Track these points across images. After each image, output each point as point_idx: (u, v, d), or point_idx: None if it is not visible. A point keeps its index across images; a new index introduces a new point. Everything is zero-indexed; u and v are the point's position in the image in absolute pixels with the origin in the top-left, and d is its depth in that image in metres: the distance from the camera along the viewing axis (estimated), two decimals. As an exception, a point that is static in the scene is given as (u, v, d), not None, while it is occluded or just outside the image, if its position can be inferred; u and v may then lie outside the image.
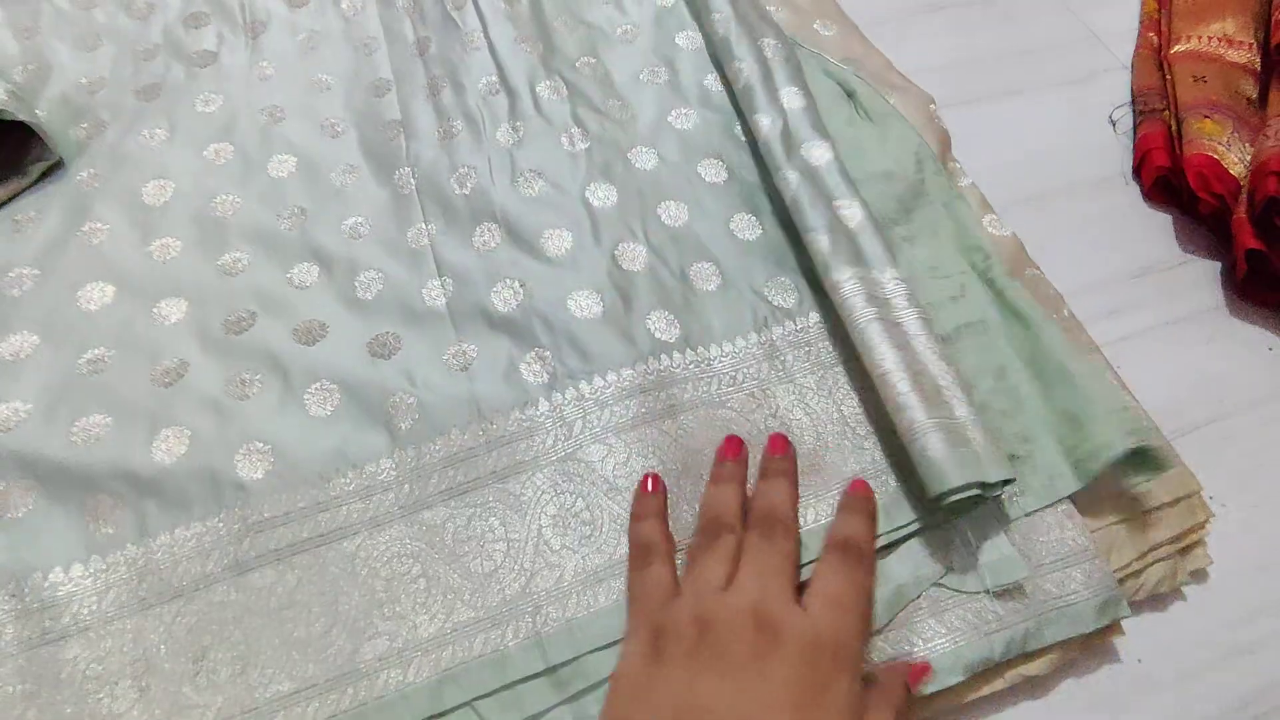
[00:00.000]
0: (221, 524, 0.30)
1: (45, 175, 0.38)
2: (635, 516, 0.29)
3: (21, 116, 0.36)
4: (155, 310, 0.35)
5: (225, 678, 0.28)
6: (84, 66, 0.43)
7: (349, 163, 0.40)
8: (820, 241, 0.34)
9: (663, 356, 0.34)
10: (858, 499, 0.29)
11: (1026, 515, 0.31)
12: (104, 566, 0.29)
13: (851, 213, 0.35)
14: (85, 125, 0.40)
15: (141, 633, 0.28)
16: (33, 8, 0.45)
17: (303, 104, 0.42)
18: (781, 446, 0.31)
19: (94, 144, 0.40)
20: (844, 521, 0.29)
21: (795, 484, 0.30)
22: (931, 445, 0.28)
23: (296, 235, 0.38)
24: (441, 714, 0.27)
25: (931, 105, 0.44)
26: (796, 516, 0.29)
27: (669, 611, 0.25)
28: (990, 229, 0.39)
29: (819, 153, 0.37)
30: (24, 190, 0.38)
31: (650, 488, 0.30)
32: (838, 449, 0.33)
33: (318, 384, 0.33)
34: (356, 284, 0.36)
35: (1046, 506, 0.31)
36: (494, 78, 0.43)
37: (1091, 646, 0.30)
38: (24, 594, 0.28)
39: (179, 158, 0.40)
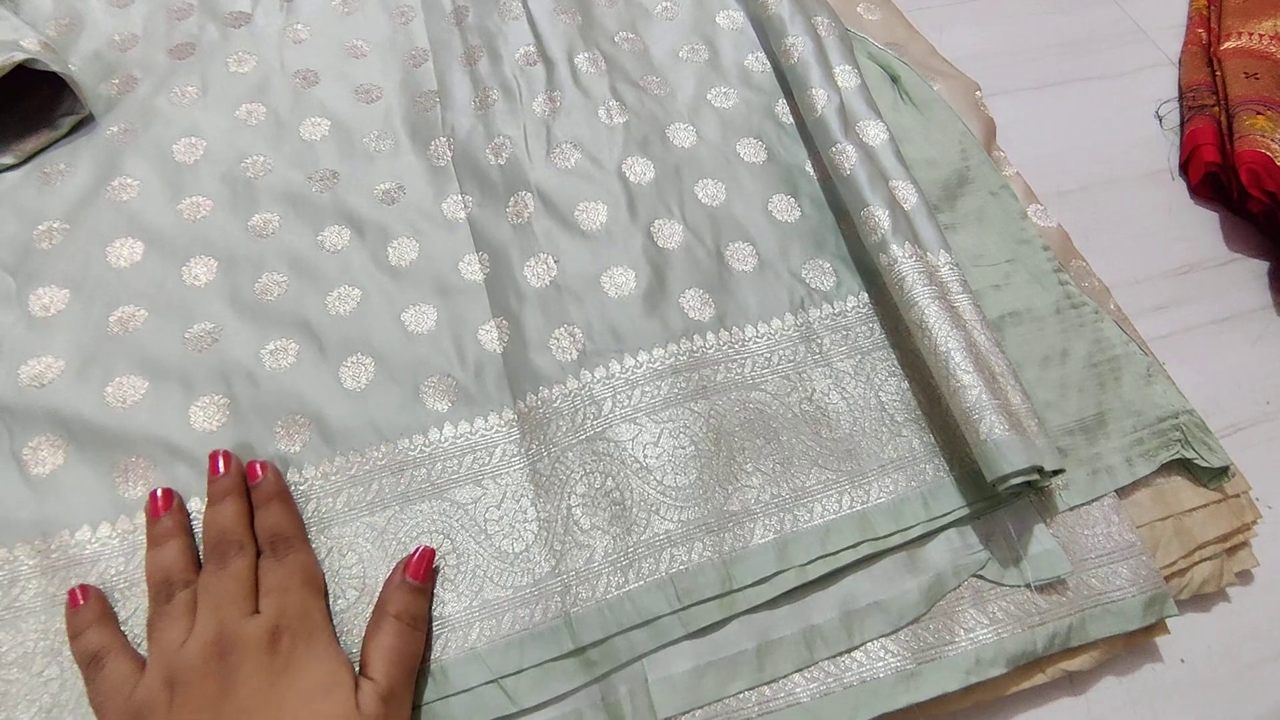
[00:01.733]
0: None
1: (75, 129, 0.38)
2: (71, 637, 0.26)
3: (54, 67, 0.36)
4: (185, 269, 0.34)
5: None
6: (116, 23, 0.42)
7: (383, 129, 0.40)
8: (879, 217, 0.33)
9: (695, 337, 0.33)
10: (262, 487, 0.29)
11: (1071, 509, 0.30)
12: (131, 528, 0.29)
13: (906, 194, 0.35)
14: (116, 81, 0.40)
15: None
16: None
17: (337, 69, 0.42)
18: (225, 465, 0.29)
19: (125, 100, 0.39)
20: (261, 516, 0.28)
21: (243, 498, 0.28)
22: (997, 426, 0.28)
23: (328, 198, 0.37)
24: (468, 690, 0.27)
25: (977, 92, 0.43)
26: (246, 528, 0.28)
27: (137, 696, 0.24)
28: (1036, 219, 0.38)
29: (875, 131, 0.37)
30: (54, 143, 0.37)
31: (78, 602, 0.27)
32: (874, 435, 0.32)
33: (353, 357, 0.33)
34: (389, 250, 0.36)
35: (1091, 501, 0.30)
36: (531, 48, 0.42)
37: (1135, 644, 0.29)
38: (50, 550, 0.28)
39: (210, 116, 0.39)
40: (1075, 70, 0.48)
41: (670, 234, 0.36)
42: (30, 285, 0.33)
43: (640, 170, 0.38)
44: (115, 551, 0.28)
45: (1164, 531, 0.30)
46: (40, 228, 0.35)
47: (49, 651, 0.26)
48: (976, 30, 0.49)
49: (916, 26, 0.46)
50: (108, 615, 0.27)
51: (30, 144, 0.37)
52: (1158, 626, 0.29)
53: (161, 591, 0.26)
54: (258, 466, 0.29)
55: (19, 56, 0.35)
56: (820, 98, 0.38)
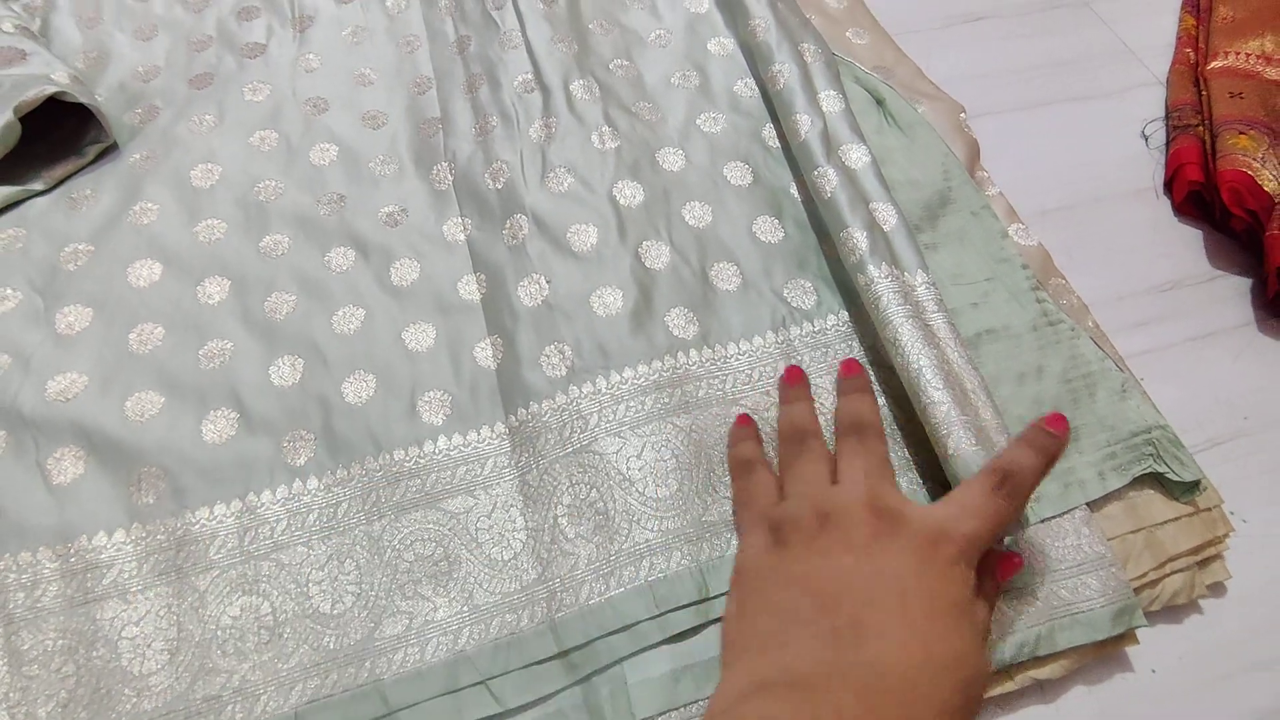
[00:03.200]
0: (261, 504, 0.31)
1: (100, 156, 0.40)
2: (730, 444, 0.32)
3: (82, 99, 0.38)
4: (200, 289, 0.36)
5: (252, 646, 0.29)
6: (140, 56, 0.45)
7: (389, 154, 0.42)
8: (857, 238, 0.35)
9: (679, 354, 0.35)
10: (853, 381, 0.33)
11: (1042, 521, 0.31)
12: (144, 534, 0.30)
13: (886, 215, 0.36)
14: (139, 111, 0.42)
15: (177, 599, 0.29)
16: (95, -1, 0.47)
17: (346, 97, 0.44)
18: (854, 368, 0.33)
19: (147, 128, 0.42)
20: (848, 403, 0.32)
21: (874, 396, 0.33)
22: (964, 441, 0.29)
23: (335, 221, 0.39)
24: (456, 691, 0.28)
25: (961, 114, 0.44)
26: (881, 423, 0.31)
27: (784, 509, 0.27)
28: (1017, 238, 0.39)
29: (856, 155, 0.38)
30: (81, 170, 0.40)
31: (745, 423, 0.32)
32: (854, 450, 0.33)
33: (356, 373, 0.34)
34: (392, 270, 0.37)
35: (1063, 513, 0.31)
36: (529, 75, 0.44)
37: (1105, 654, 0.30)
38: (69, 555, 0.30)
39: (226, 143, 0.41)
40: (1063, 90, 0.49)
41: (658, 255, 0.38)
42: (57, 304, 0.36)
43: (630, 194, 0.40)
44: (129, 556, 0.30)
45: (1135, 544, 0.31)
46: (67, 249, 0.37)
47: (67, 650, 0.28)
48: (966, 52, 0.50)
49: (905, 50, 0.48)
50: (762, 440, 0.32)
51: (59, 171, 0.39)
52: (1127, 636, 0.29)
53: (794, 436, 0.31)
54: (852, 363, 0.33)
55: (50, 89, 0.37)
56: (804, 123, 0.39)
